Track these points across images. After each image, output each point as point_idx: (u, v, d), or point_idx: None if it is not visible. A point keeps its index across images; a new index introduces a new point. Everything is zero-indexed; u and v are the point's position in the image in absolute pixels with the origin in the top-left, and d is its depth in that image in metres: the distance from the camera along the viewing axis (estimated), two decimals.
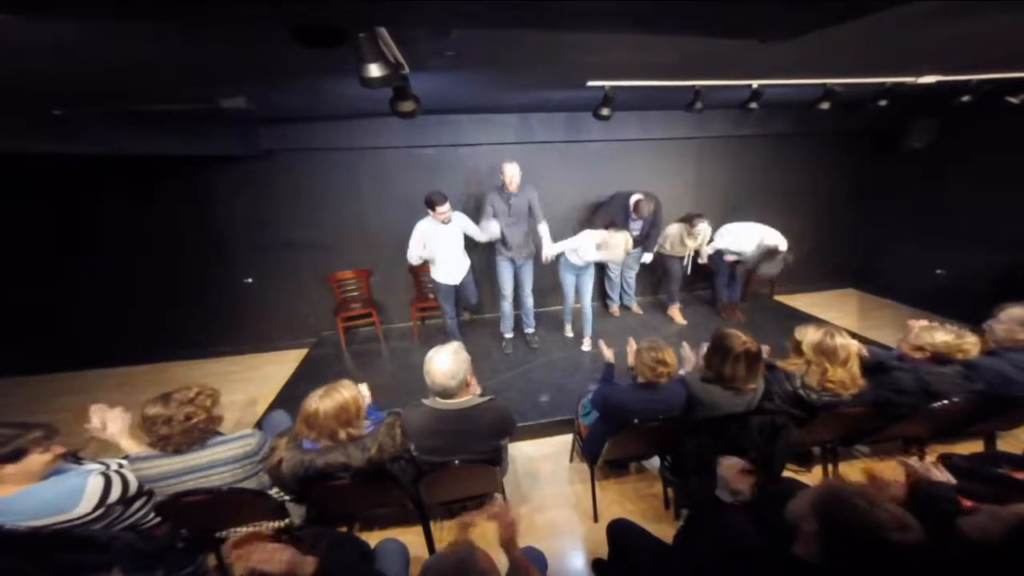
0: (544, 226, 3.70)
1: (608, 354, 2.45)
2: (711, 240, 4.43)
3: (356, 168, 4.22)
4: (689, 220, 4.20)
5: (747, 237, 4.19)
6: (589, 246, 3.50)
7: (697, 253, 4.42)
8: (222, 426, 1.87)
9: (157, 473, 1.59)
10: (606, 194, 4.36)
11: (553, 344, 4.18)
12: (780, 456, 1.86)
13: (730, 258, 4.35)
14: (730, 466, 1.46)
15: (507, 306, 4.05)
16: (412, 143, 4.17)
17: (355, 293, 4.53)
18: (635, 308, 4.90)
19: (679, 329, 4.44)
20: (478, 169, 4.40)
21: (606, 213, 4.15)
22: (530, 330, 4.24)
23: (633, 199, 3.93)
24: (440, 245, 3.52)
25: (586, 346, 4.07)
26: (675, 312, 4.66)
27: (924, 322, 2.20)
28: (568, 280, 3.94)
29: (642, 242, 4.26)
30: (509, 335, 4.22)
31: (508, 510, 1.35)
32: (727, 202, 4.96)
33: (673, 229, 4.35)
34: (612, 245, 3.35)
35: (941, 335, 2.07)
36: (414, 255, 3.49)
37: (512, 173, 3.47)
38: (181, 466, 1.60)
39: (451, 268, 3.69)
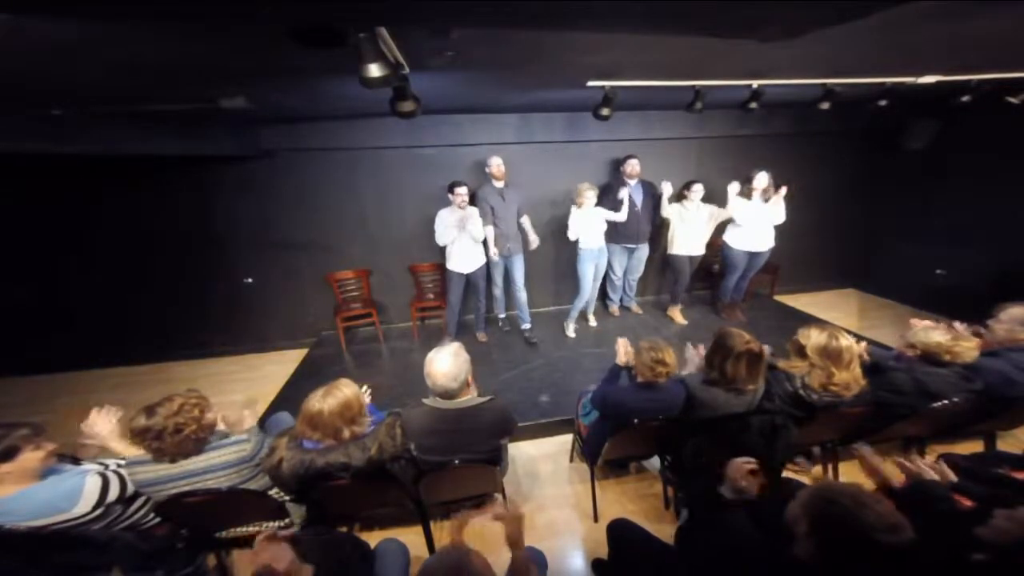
0: (526, 218, 4.02)
1: (623, 356, 2.37)
2: (725, 227, 4.30)
3: (356, 168, 4.22)
4: (685, 186, 4.18)
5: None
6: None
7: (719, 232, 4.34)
8: (226, 422, 1.88)
9: (153, 477, 1.58)
10: (607, 195, 4.36)
11: (553, 344, 4.18)
12: (780, 456, 1.86)
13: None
14: (737, 467, 1.46)
15: (498, 291, 4.35)
16: (412, 143, 4.17)
17: (355, 293, 4.53)
18: (635, 308, 4.91)
19: (679, 329, 4.44)
20: (474, 169, 4.41)
21: (607, 186, 4.25)
22: (527, 326, 4.31)
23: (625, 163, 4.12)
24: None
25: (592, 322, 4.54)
26: (675, 312, 4.66)
27: (927, 322, 2.19)
28: (587, 271, 4.09)
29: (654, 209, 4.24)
30: (503, 315, 4.50)
31: (515, 508, 1.35)
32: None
33: (673, 214, 4.22)
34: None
35: (936, 336, 2.06)
36: (443, 234, 3.75)
37: (499, 162, 3.81)
38: (177, 471, 1.59)
39: (463, 256, 3.83)
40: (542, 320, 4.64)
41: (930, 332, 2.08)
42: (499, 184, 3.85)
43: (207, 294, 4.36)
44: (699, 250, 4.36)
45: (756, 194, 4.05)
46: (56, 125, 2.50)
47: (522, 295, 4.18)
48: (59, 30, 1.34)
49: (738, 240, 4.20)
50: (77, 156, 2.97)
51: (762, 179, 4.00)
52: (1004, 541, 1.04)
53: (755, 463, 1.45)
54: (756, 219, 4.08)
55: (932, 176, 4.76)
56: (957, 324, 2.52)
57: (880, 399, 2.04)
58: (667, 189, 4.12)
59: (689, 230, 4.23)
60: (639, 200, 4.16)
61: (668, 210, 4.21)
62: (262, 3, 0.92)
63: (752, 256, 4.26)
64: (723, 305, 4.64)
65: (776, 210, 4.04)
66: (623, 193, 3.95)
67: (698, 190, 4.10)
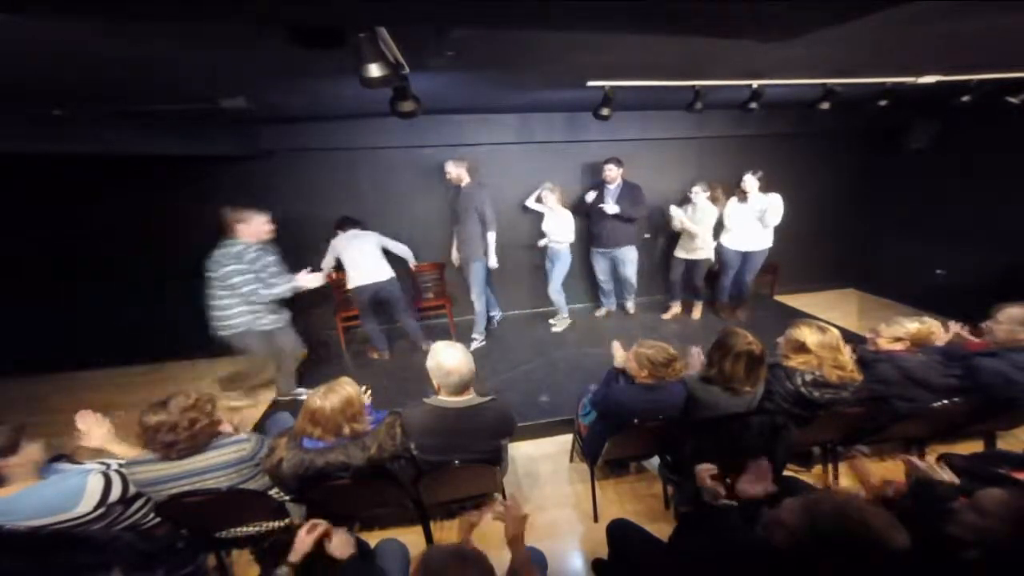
0: (491, 235, 3.73)
1: (619, 358, 2.40)
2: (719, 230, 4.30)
3: (356, 168, 4.22)
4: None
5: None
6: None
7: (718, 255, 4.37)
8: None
9: (153, 477, 1.58)
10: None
11: (553, 344, 4.18)
12: (780, 456, 1.86)
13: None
14: (702, 470, 1.48)
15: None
16: (412, 143, 4.17)
17: None
18: (629, 308, 4.82)
19: (673, 329, 4.44)
20: (479, 168, 4.40)
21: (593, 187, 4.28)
22: (474, 335, 4.22)
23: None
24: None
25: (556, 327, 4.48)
26: (672, 309, 4.66)
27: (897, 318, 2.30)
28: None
29: (625, 214, 4.04)
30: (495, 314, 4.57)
31: (517, 506, 1.36)
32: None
33: (677, 221, 4.21)
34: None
35: (910, 323, 2.20)
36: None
37: (448, 167, 3.72)
38: (177, 470, 1.59)
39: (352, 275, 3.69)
40: (541, 319, 4.65)
41: (904, 322, 2.21)
42: (459, 187, 3.74)
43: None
44: (695, 254, 4.30)
45: (751, 196, 4.07)
46: (56, 125, 2.50)
47: (476, 304, 4.00)
48: (59, 30, 1.34)
49: (730, 240, 4.28)
50: (77, 156, 2.97)
51: (748, 181, 4.04)
52: (976, 534, 1.03)
53: (715, 468, 1.48)
54: (745, 220, 4.12)
55: (932, 176, 4.76)
56: (952, 324, 2.53)
57: (872, 392, 2.07)
58: (675, 211, 4.19)
59: (687, 233, 4.23)
60: (614, 205, 4.01)
61: (675, 216, 4.21)
62: (262, 4, 0.92)
63: (745, 256, 4.28)
64: (721, 305, 4.64)
65: (766, 211, 4.01)
66: (589, 196, 4.08)
67: (696, 191, 4.08)
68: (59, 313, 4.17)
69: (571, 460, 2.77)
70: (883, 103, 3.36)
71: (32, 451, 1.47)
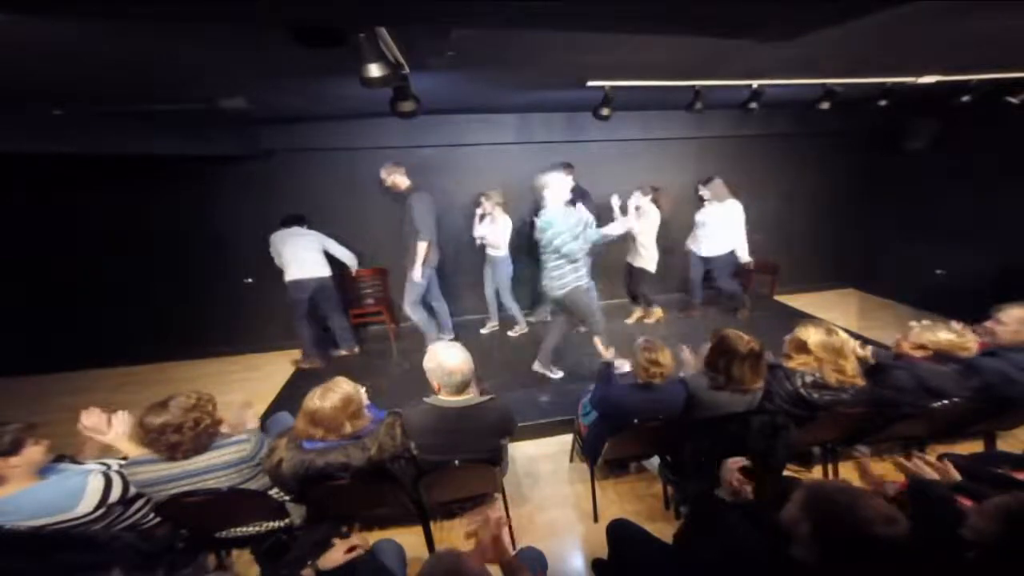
0: (422, 245, 3.54)
1: (607, 353, 2.45)
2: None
3: (356, 168, 4.22)
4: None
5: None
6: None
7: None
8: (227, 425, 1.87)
9: (153, 477, 1.58)
10: (605, 194, 4.31)
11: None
12: (780, 456, 1.86)
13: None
14: (731, 467, 1.47)
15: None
16: (412, 143, 4.17)
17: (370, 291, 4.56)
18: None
19: (665, 332, 4.43)
20: (479, 168, 4.41)
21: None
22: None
23: None
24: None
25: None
26: (648, 313, 4.61)
27: (925, 322, 2.22)
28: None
29: None
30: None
31: (489, 523, 1.31)
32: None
33: (617, 214, 4.12)
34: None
35: (944, 334, 2.11)
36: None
37: (381, 175, 3.60)
38: (177, 471, 1.58)
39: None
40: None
41: (937, 331, 2.13)
42: (399, 193, 3.62)
43: (207, 294, 4.36)
44: (634, 260, 4.22)
45: (707, 204, 4.18)
46: (56, 125, 2.50)
47: (412, 315, 3.84)
48: (59, 30, 1.34)
49: (692, 242, 4.42)
50: (77, 156, 2.98)
51: (701, 191, 4.15)
52: (978, 536, 1.04)
53: (746, 461, 1.46)
54: (705, 226, 4.23)
55: (932, 176, 4.76)
56: (955, 324, 2.52)
57: (883, 398, 2.04)
58: (615, 201, 4.05)
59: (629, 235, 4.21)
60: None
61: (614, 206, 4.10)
62: (262, 4, 0.92)
63: (706, 260, 4.36)
64: (692, 304, 4.70)
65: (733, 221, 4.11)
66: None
67: (637, 194, 3.90)
68: (58, 313, 4.17)
69: (571, 460, 2.77)
70: (883, 103, 3.37)
71: (34, 452, 1.46)
